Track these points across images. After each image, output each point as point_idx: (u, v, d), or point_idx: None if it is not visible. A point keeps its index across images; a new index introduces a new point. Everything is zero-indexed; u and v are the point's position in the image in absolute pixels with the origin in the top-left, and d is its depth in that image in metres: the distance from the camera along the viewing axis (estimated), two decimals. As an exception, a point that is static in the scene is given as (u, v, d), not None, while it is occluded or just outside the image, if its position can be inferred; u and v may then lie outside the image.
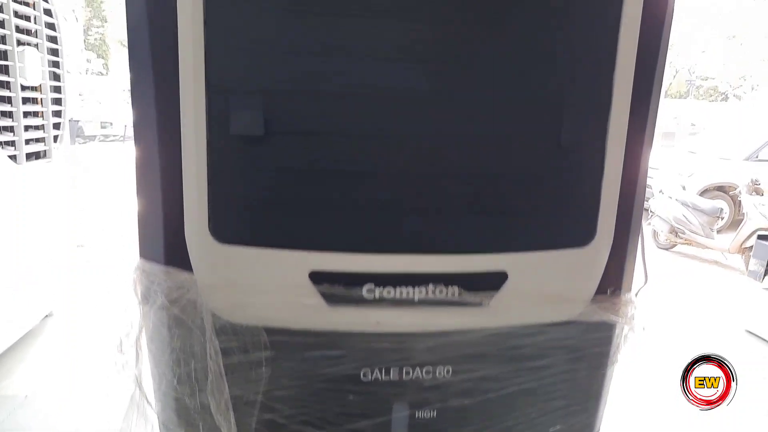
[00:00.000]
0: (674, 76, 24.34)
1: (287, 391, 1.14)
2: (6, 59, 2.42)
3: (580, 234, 1.16)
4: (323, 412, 1.16)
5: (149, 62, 1.02)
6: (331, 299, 1.09)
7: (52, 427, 2.25)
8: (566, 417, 1.27)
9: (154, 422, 1.19)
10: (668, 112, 15.61)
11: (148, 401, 1.15)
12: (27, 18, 2.58)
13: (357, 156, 1.07)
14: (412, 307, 1.11)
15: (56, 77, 2.86)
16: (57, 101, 2.86)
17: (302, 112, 1.04)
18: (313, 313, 1.09)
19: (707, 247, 5.77)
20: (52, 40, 2.80)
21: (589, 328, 1.20)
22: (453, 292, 1.11)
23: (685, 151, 8.52)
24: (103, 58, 25.56)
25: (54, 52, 2.82)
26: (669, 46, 1.18)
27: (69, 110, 2.98)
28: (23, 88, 2.52)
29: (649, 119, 1.18)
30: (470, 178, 1.11)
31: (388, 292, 1.10)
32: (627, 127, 1.13)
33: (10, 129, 2.45)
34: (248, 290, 1.09)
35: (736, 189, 6.10)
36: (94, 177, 7.56)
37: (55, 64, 2.83)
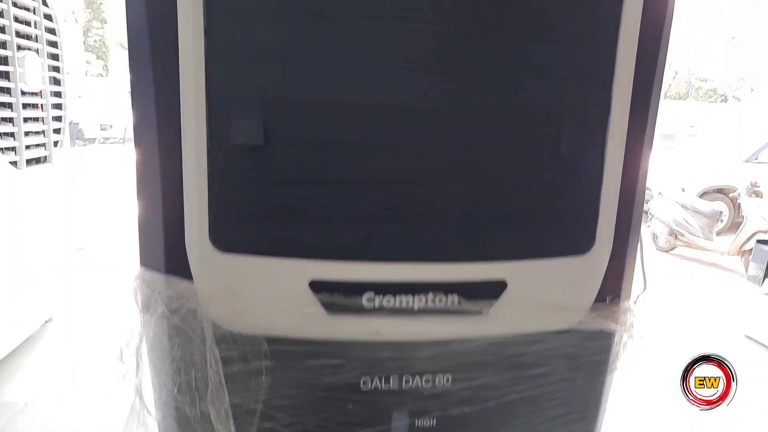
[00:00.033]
0: (674, 78, 24.37)
1: (287, 400, 1.14)
2: (6, 64, 2.42)
3: (580, 242, 1.17)
4: (323, 421, 1.16)
5: (149, 67, 1.02)
6: (331, 308, 1.09)
7: (52, 433, 2.25)
8: (566, 425, 1.28)
9: (154, 431, 1.19)
10: (668, 113, 15.62)
11: (148, 410, 1.15)
12: (27, 23, 2.58)
13: (357, 165, 1.07)
14: (412, 315, 1.11)
15: (57, 82, 2.86)
16: (57, 106, 2.86)
17: (302, 122, 1.04)
18: (313, 322, 1.10)
19: (707, 250, 5.78)
20: (53, 44, 2.80)
21: (589, 336, 1.20)
22: (452, 300, 1.11)
23: (685, 153, 8.53)
24: (102, 59, 25.58)
25: (54, 57, 2.82)
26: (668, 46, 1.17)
27: (69, 113, 2.99)
28: (23, 93, 2.52)
29: (649, 124, 1.17)
30: (469, 187, 1.11)
31: (388, 301, 1.10)
32: (626, 134, 1.13)
33: (11, 135, 2.45)
34: (248, 299, 1.09)
35: (735, 191, 6.11)
36: (94, 179, 7.57)
37: (56, 69, 2.84)
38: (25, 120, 2.53)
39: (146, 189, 1.10)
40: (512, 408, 1.21)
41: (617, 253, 1.19)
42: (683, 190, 6.74)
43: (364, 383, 1.15)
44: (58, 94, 2.86)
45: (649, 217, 6.18)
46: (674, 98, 24.16)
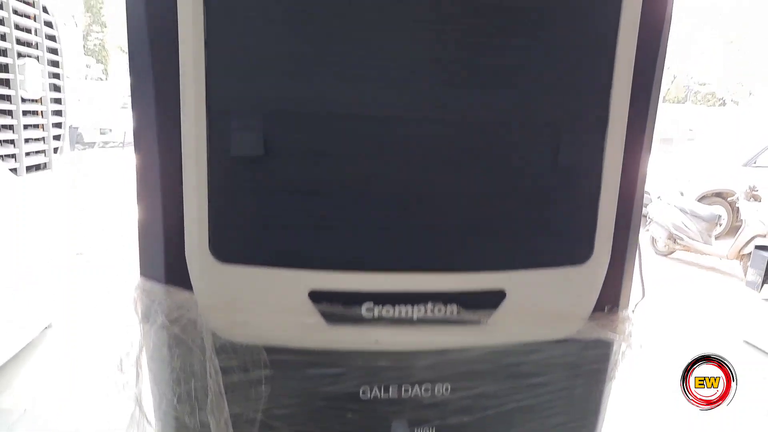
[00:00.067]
0: (672, 82, 24.43)
1: (287, 410, 1.15)
2: (7, 72, 2.43)
3: (578, 252, 1.17)
4: (322, 430, 1.17)
5: (149, 74, 1.03)
6: (330, 318, 1.09)
7: (51, 440, 2.25)
8: (565, 433, 1.28)
9: (154, 441, 1.20)
10: (666, 117, 15.65)
11: (148, 420, 1.15)
12: (28, 30, 2.59)
13: (356, 176, 1.08)
14: (411, 325, 1.11)
15: (57, 88, 2.87)
16: (57, 112, 2.87)
17: (302, 133, 1.05)
18: (313, 332, 1.10)
19: (705, 254, 5.79)
20: (53, 51, 2.81)
21: (587, 345, 1.21)
22: (452, 310, 1.12)
23: (684, 157, 8.55)
24: (102, 63, 25.62)
25: (55, 64, 2.83)
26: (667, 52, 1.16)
27: (69, 119, 3.00)
28: (24, 100, 2.53)
29: (647, 132, 1.17)
30: (468, 197, 1.12)
31: (387, 311, 1.10)
32: (624, 142, 1.13)
33: (11, 142, 2.46)
34: (248, 309, 1.10)
35: (734, 195, 6.12)
36: (93, 183, 7.57)
37: (56, 76, 2.85)
38: (25, 127, 2.54)
39: (146, 199, 1.11)
40: (511, 417, 1.22)
41: (615, 261, 1.20)
42: (682, 194, 6.76)
43: (364, 392, 1.15)
44: (58, 101, 2.87)
45: (648, 221, 6.19)
46: (673, 102, 24.21)
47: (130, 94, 1.08)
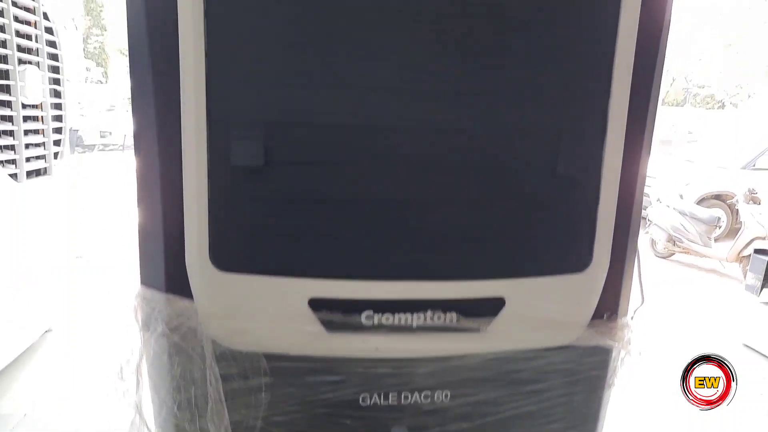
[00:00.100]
0: (671, 84, 24.46)
1: (286, 417, 1.15)
2: (8, 78, 2.43)
3: (577, 259, 1.17)
4: (322, 437, 1.17)
5: (149, 80, 1.03)
6: (330, 326, 1.10)
7: (51, 445, 2.25)
8: (564, 440, 1.28)
9: (154, 448, 1.20)
10: (665, 120, 15.67)
11: (148, 428, 1.16)
12: (28, 37, 2.60)
13: (356, 185, 1.08)
14: (411, 333, 1.12)
15: (57, 94, 2.87)
16: (57, 118, 2.88)
17: (302, 142, 1.05)
18: (313, 340, 1.10)
19: (705, 256, 5.80)
20: (53, 57, 2.82)
21: (586, 352, 1.21)
22: (451, 318, 1.12)
23: (683, 160, 8.56)
24: (102, 66, 25.64)
25: (55, 69, 2.84)
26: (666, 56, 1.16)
27: (69, 123, 3.00)
28: (24, 106, 2.54)
29: (646, 136, 1.17)
30: (467, 206, 1.12)
31: (387, 319, 1.11)
32: (623, 149, 1.12)
33: (11, 148, 2.46)
34: (248, 317, 1.10)
35: (733, 198, 6.13)
36: (93, 186, 7.57)
37: (56, 81, 2.85)
38: (25, 132, 2.55)
39: (146, 208, 1.11)
40: (510, 423, 1.22)
41: (614, 268, 1.20)
42: (681, 196, 6.76)
43: (363, 400, 1.15)
44: (58, 106, 2.88)
45: (648, 223, 6.19)
46: (672, 105, 24.24)
47: (130, 97, 1.08)
